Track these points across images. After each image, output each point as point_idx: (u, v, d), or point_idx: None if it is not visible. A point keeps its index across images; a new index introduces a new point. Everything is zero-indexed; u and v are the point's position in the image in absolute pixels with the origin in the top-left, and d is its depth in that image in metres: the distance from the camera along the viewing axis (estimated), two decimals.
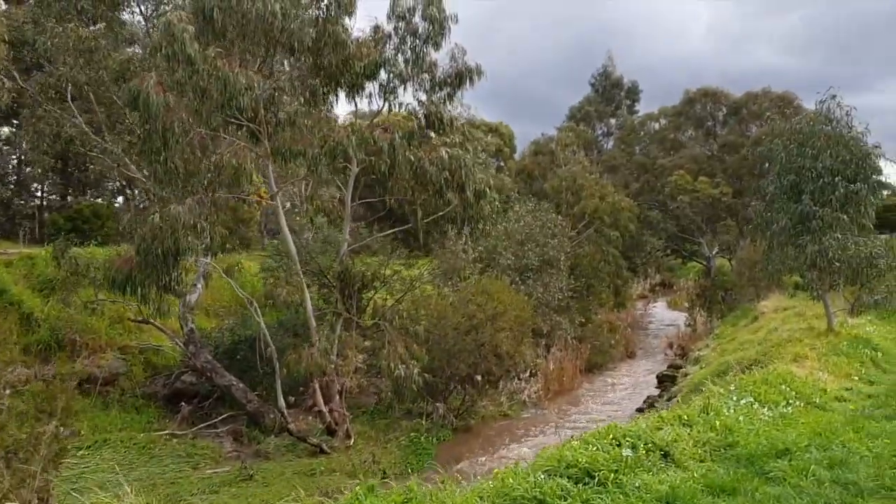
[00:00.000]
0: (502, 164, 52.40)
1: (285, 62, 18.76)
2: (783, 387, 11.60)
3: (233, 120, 16.08)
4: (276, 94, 16.58)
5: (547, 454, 7.93)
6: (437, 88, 19.50)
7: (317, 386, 18.06)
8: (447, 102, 19.78)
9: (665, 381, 27.23)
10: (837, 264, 17.34)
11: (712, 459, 8.44)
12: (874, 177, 18.06)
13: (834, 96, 18.61)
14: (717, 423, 9.37)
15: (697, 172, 46.35)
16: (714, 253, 48.88)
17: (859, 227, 18.26)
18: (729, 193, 44.89)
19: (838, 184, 17.66)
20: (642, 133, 54.41)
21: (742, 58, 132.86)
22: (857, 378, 13.79)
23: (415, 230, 19.13)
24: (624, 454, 7.78)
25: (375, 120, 20.26)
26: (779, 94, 45.67)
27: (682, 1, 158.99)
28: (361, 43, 17.39)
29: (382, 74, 18.82)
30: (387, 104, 19.52)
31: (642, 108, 64.47)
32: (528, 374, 29.05)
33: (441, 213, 19.14)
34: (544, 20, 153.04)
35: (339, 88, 17.32)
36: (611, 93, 64.55)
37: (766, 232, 18.99)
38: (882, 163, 18.63)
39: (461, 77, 19.40)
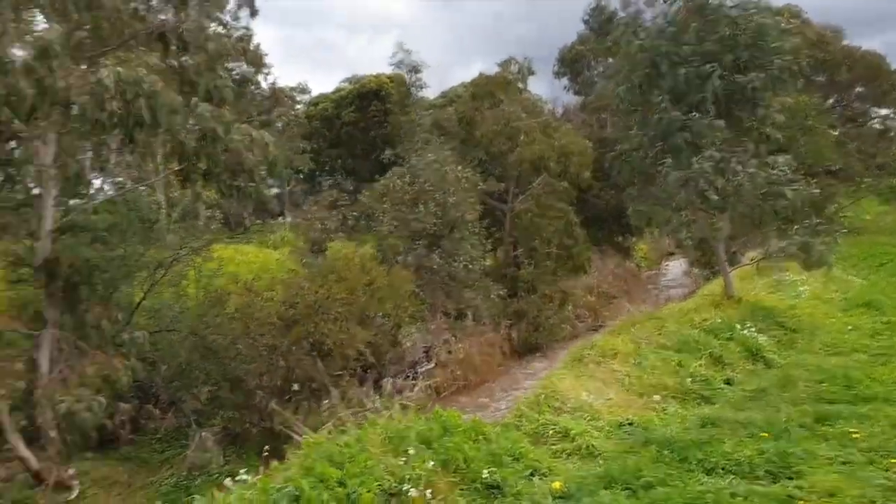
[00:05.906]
0: None
1: None
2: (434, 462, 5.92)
3: None
4: None
5: None
6: None
7: (7, 422, 13.22)
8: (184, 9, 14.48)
9: None
10: (716, 198, 11.17)
11: None
12: (777, 61, 11.66)
13: None
14: None
15: None
16: None
17: (758, 141, 11.99)
18: None
19: (712, 75, 11.46)
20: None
21: None
22: (669, 393, 7.91)
23: None
24: None
25: None
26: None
27: None
28: None
29: None
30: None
31: None
32: (433, 364, 23.81)
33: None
34: None
35: None
36: (606, 28, 56.91)
37: (622, 160, 12.94)
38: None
39: None
